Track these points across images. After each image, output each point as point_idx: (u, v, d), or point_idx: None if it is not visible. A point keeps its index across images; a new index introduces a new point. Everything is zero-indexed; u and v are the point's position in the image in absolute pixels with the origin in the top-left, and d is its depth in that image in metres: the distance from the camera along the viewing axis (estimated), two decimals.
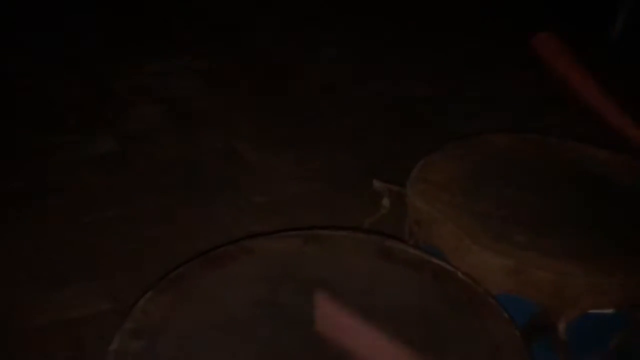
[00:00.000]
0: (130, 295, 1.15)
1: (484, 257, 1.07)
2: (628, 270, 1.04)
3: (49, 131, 2.24)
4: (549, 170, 1.33)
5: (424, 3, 3.47)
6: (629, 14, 2.99)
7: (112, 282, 1.64)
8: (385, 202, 1.73)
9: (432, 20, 3.34)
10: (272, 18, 3.35)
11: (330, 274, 1.05)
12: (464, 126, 2.28)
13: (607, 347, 1.11)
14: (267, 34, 3.22)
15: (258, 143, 2.27)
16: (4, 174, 2.01)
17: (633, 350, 1.12)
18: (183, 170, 2.13)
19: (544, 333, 1.07)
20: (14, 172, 2.02)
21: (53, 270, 1.67)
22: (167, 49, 2.90)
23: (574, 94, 1.91)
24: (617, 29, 3.00)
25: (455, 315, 0.95)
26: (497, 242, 1.08)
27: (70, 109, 2.40)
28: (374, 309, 0.97)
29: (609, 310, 1.06)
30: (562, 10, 3.22)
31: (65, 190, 1.96)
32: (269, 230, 1.77)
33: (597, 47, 2.84)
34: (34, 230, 1.81)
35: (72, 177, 2.03)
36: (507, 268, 1.05)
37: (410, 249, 1.10)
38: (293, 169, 2.19)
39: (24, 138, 2.21)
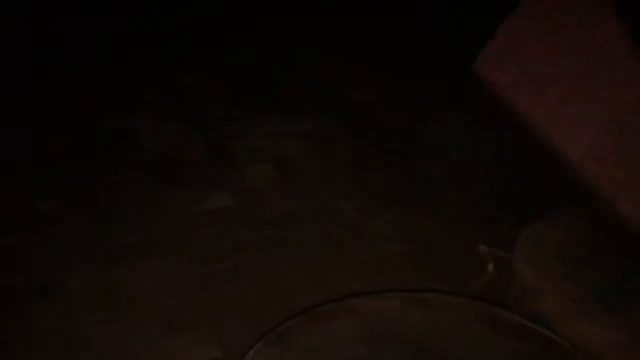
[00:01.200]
0: (239, 345, 1.21)
1: (594, 330, 1.03)
2: None
3: (169, 186, 2.43)
4: None
5: None
6: None
7: (222, 332, 1.72)
8: (491, 267, 1.71)
9: None
10: (379, 77, 3.45)
11: (432, 339, 1.06)
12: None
13: None
14: (373, 91, 3.32)
15: (363, 202, 2.32)
16: (123, 226, 2.18)
17: None
18: (290, 226, 2.21)
19: None
20: (133, 224, 2.19)
21: (166, 318, 1.78)
22: (280, 111, 3.07)
23: None
24: None
25: None
26: (610, 315, 1.04)
27: (190, 166, 2.60)
28: None
29: None
30: None
31: (180, 242, 2.11)
32: (370, 289, 1.80)
33: None
34: (151, 278, 1.94)
35: (188, 230, 2.17)
36: (620, 343, 1.00)
37: (516, 317, 1.09)
38: (396, 229, 2.21)
39: (145, 192, 2.40)
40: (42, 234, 2.14)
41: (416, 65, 3.68)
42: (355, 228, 2.22)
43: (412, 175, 2.57)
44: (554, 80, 1.19)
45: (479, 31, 1.43)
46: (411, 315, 1.12)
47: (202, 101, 3.18)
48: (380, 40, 4.06)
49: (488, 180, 2.52)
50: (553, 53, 1.20)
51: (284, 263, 2.02)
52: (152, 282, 1.92)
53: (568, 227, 1.33)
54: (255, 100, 3.21)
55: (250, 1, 4.74)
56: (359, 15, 4.52)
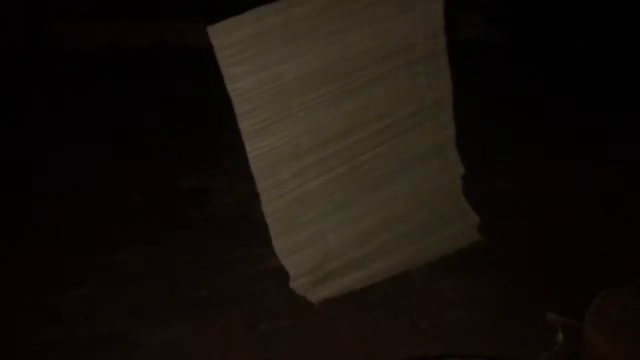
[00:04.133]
0: None
1: None
2: None
3: (239, 245, 2.50)
4: None
5: None
6: None
7: None
8: (560, 336, 1.63)
9: None
10: None
11: None
12: None
13: None
14: None
15: (426, 268, 2.29)
16: (194, 282, 2.25)
17: None
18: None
19: None
20: (202, 280, 2.26)
21: None
22: None
23: None
24: None
25: None
26: None
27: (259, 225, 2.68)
28: None
29: None
30: None
31: (244, 299, 2.14)
32: (432, 354, 1.75)
33: None
34: (216, 333, 1.97)
35: (252, 287, 2.21)
36: None
37: None
38: (459, 294, 2.16)
39: (214, 250, 2.49)
40: (115, 287, 2.24)
41: None
42: (419, 293, 2.18)
43: (477, 240, 2.53)
44: None
45: None
46: None
47: None
48: None
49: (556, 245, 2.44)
50: None
51: (345, 325, 2.00)
52: (216, 336, 1.95)
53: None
54: None
55: None
56: None
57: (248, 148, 2.01)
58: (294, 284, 2.13)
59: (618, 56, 4.65)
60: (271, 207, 2.10)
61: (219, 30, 1.89)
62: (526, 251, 2.43)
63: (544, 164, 3.28)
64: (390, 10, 2.13)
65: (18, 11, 5.51)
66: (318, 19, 2.02)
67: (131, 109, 4.31)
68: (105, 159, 3.37)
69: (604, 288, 1.42)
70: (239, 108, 1.96)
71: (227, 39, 1.90)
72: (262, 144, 2.03)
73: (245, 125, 1.98)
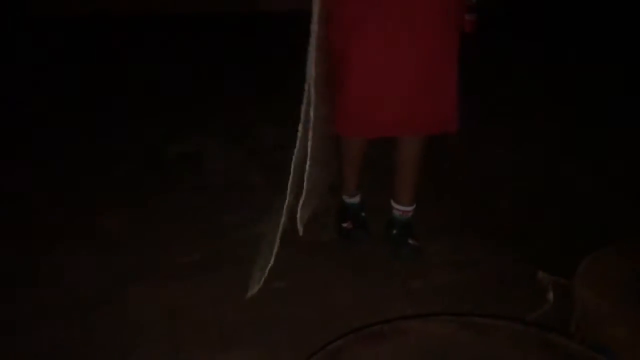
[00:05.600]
0: None
1: None
2: None
3: (231, 211, 2.50)
4: None
5: None
6: None
7: (274, 349, 1.73)
8: (550, 295, 1.64)
9: None
10: None
11: None
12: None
13: None
14: None
15: (419, 230, 2.29)
16: (184, 247, 2.24)
17: None
18: (346, 250, 2.22)
19: None
20: (192, 244, 2.25)
21: (221, 333, 1.80)
22: None
23: None
24: None
25: None
26: None
27: (251, 190, 2.67)
28: None
29: None
30: None
31: (235, 263, 2.13)
32: (423, 314, 1.76)
33: None
34: (209, 295, 1.97)
35: (243, 251, 2.20)
36: None
37: (575, 344, 1.04)
38: (451, 256, 2.18)
39: (203, 216, 2.48)
40: (105, 250, 2.23)
41: None
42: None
43: (468, 203, 2.53)
44: None
45: None
46: (465, 339, 1.09)
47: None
48: None
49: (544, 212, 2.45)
50: None
51: (335, 287, 2.01)
52: (209, 298, 1.96)
53: (631, 255, 1.28)
54: None
55: None
56: None
57: None
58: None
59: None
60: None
61: None
62: (515, 215, 2.44)
63: (534, 130, 3.30)
64: None
65: None
66: None
67: (117, 76, 4.26)
68: (90, 127, 3.34)
69: (593, 249, 1.43)
70: None
71: None
72: None
73: None
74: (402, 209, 2.18)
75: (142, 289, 2.00)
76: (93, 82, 4.13)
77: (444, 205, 2.54)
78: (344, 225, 2.30)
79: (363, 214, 2.34)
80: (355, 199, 2.33)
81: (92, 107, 3.67)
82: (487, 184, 2.71)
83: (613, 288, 1.21)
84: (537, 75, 4.16)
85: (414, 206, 2.19)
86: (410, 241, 2.16)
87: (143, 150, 3.10)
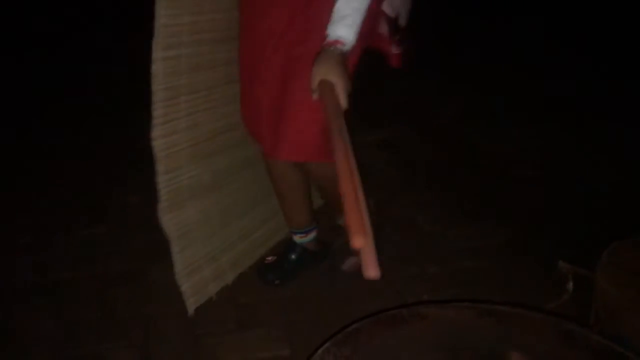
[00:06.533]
0: (307, 343, 1.23)
1: None
2: None
3: None
4: None
5: None
6: None
7: (291, 331, 1.75)
8: (570, 285, 1.64)
9: None
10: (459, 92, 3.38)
11: (505, 351, 1.03)
12: None
13: None
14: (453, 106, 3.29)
15: (437, 215, 2.28)
16: None
17: None
18: None
19: None
20: None
21: (239, 314, 1.83)
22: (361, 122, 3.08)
23: None
24: None
25: None
26: None
27: None
28: None
29: None
30: None
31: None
32: (441, 300, 1.77)
33: None
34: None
35: None
36: None
37: (594, 335, 1.04)
38: (472, 243, 2.17)
39: None
40: (130, 225, 2.27)
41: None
42: (429, 240, 2.19)
43: (491, 191, 2.52)
44: None
45: None
46: (484, 326, 1.09)
47: None
48: None
49: (570, 203, 2.43)
50: None
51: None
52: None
53: None
54: None
55: None
56: None
57: None
58: None
59: None
60: None
61: None
62: (534, 203, 2.42)
63: (554, 118, 3.24)
64: None
65: None
66: None
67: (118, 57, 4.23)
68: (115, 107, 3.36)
69: (613, 240, 1.41)
70: None
71: None
72: None
73: None
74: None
75: (163, 265, 2.02)
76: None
77: (463, 191, 2.53)
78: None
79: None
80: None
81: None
82: (507, 171, 2.68)
83: (634, 279, 1.20)
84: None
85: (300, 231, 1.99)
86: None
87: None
